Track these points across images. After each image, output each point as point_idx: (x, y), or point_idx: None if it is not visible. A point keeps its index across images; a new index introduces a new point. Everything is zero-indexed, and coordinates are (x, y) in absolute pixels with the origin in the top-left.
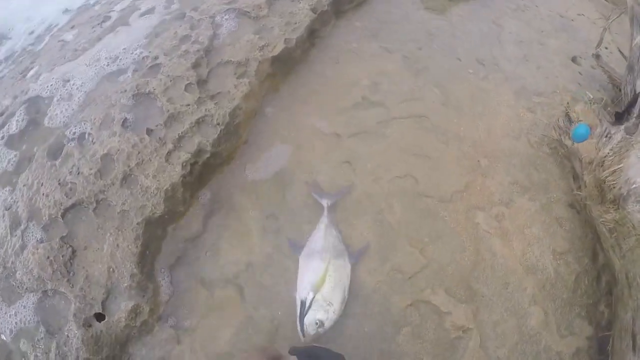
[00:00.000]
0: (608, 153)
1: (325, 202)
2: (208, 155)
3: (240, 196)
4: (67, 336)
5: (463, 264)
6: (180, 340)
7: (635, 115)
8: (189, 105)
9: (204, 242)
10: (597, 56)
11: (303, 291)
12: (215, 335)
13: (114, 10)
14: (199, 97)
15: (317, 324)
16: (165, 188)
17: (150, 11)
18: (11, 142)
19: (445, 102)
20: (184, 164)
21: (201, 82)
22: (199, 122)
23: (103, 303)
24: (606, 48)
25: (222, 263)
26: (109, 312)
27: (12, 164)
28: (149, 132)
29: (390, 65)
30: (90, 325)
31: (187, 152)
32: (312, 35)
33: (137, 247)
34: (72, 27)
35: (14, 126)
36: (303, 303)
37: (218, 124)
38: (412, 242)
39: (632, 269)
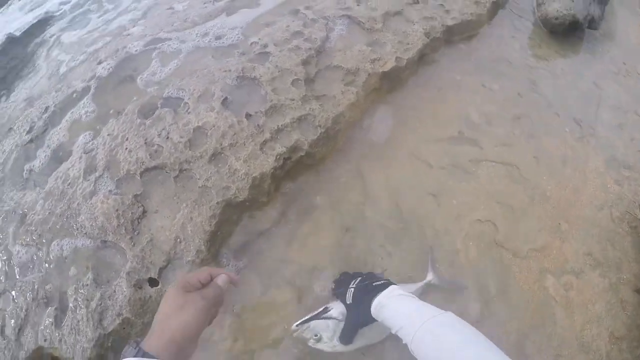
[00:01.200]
0: None
1: (430, 276)
2: (303, 154)
3: (322, 201)
4: (114, 291)
5: (522, 325)
6: (223, 326)
7: None
8: (293, 100)
9: (274, 237)
10: None
11: (334, 301)
12: (260, 328)
13: None
14: (305, 95)
15: (315, 335)
16: (254, 175)
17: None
18: (102, 91)
19: (537, 156)
20: (278, 156)
21: (308, 81)
22: (300, 119)
23: (160, 270)
24: None
25: (286, 262)
26: (164, 280)
27: (99, 114)
28: (248, 116)
29: (490, 105)
30: (140, 288)
31: (283, 145)
32: (421, 59)
33: (210, 225)
34: None
35: (105, 74)
36: (326, 309)
37: (319, 125)
38: (479, 291)
39: None
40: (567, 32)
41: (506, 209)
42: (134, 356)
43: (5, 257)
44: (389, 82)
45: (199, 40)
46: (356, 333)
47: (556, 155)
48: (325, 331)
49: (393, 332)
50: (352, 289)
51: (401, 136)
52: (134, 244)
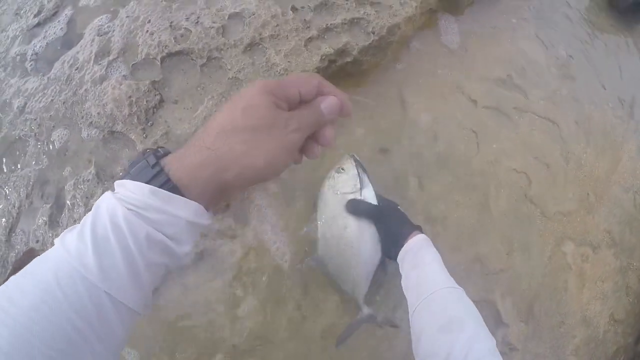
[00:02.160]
0: None
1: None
2: (350, 59)
3: (358, 117)
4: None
5: (536, 284)
6: (235, 235)
7: None
8: (347, 0)
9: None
10: None
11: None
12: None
13: None
14: None
15: (342, 169)
16: (294, 71)
17: None
18: None
19: (579, 121)
20: (323, 57)
21: None
22: (352, 22)
23: None
24: None
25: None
26: None
27: None
28: (294, 10)
29: (542, 58)
30: None
31: (330, 46)
32: None
33: None
34: None
35: None
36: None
37: (372, 32)
38: (503, 240)
39: None
40: (627, 9)
41: (541, 166)
42: (148, 181)
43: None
44: (448, 6)
45: None
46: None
47: (596, 126)
48: (351, 178)
49: (403, 286)
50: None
51: (448, 67)
52: (145, 136)
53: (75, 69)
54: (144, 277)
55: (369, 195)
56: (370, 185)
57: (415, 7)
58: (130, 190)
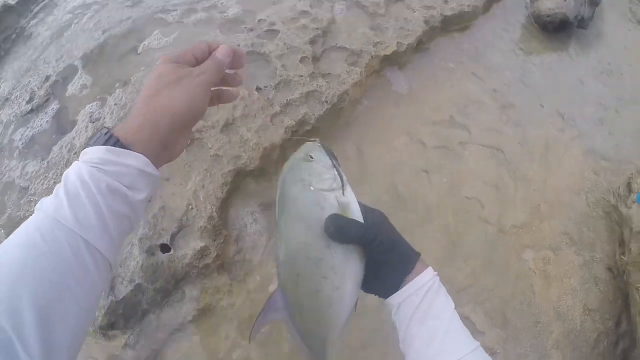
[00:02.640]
0: None
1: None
2: (309, 127)
3: None
4: (126, 258)
5: (504, 293)
6: (232, 292)
7: None
8: (301, 76)
9: None
10: None
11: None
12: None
13: None
14: (312, 72)
15: (311, 157)
16: (264, 146)
17: None
18: (106, 61)
19: (522, 142)
20: (287, 129)
21: (315, 59)
22: (308, 95)
23: (172, 236)
24: None
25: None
26: (176, 246)
27: (104, 84)
28: (259, 89)
29: (480, 94)
30: (153, 254)
31: (291, 119)
32: (418, 46)
33: (222, 192)
34: None
35: (109, 43)
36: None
37: (326, 101)
38: (467, 259)
39: None
40: (557, 30)
41: (491, 188)
42: (103, 144)
43: (10, 230)
44: (389, 66)
45: (205, 13)
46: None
47: (539, 143)
48: (326, 169)
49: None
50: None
51: (398, 117)
52: (145, 210)
53: (74, 154)
54: (111, 226)
55: (352, 201)
56: (347, 183)
57: (360, 73)
58: (90, 153)
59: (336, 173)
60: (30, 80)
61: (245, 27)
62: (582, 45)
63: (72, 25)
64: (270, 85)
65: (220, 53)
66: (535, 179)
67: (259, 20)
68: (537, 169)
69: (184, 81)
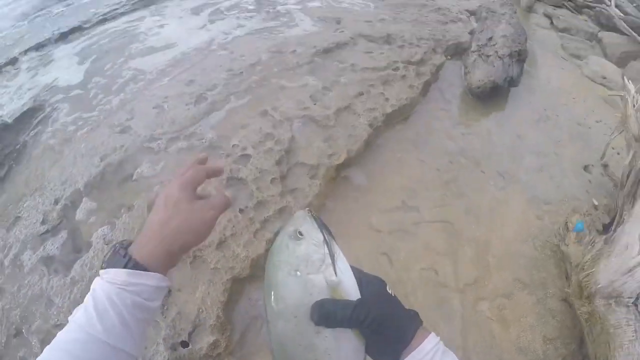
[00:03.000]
0: (588, 259)
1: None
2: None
3: None
4: (153, 354)
5: (467, 343)
6: None
7: (613, 228)
8: (273, 195)
9: None
10: (605, 166)
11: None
12: None
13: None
14: (282, 191)
15: (300, 234)
16: (252, 257)
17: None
18: (107, 188)
19: (467, 210)
20: (267, 241)
21: (282, 178)
22: (280, 210)
23: (189, 334)
24: (618, 154)
25: None
26: (193, 341)
27: (110, 208)
28: (241, 211)
29: (426, 175)
30: (175, 350)
31: (270, 232)
32: (367, 145)
33: (224, 297)
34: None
35: (108, 171)
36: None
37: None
38: (427, 322)
39: (599, 351)
40: (490, 96)
41: (444, 257)
42: (124, 266)
43: (41, 336)
44: (344, 170)
45: (186, 141)
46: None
47: (483, 206)
48: (315, 247)
49: None
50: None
51: (358, 210)
52: (165, 317)
53: (94, 271)
54: (134, 329)
55: (346, 275)
56: (341, 253)
57: (319, 185)
58: (113, 274)
59: (327, 250)
60: (39, 202)
61: (223, 153)
62: (517, 100)
63: (71, 148)
64: (250, 206)
65: (226, 194)
66: (482, 239)
67: (233, 146)
68: (484, 230)
69: (197, 215)
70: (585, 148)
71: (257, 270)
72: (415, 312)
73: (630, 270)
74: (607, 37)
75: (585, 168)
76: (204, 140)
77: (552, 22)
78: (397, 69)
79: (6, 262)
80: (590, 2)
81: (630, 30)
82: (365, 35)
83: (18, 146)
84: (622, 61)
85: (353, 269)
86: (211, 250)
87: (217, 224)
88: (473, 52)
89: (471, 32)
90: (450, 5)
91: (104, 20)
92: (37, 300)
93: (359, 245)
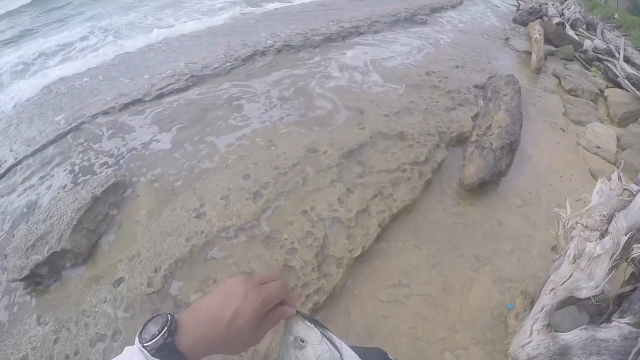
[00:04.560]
0: (516, 328)
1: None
2: (320, 305)
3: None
4: None
5: None
6: None
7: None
8: (313, 279)
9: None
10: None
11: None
12: None
13: (262, 191)
14: (318, 275)
15: (302, 342)
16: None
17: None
18: (197, 262)
19: (445, 287)
20: (309, 310)
21: (319, 266)
22: (317, 290)
23: None
24: None
25: None
26: None
27: (201, 280)
28: (292, 288)
29: (418, 260)
30: None
31: (311, 302)
32: (377, 239)
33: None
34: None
35: (198, 247)
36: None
37: (327, 292)
38: None
39: None
40: (479, 188)
41: (423, 320)
42: (161, 347)
43: None
44: (359, 258)
45: (252, 232)
46: None
47: (458, 284)
48: (322, 350)
49: None
50: None
51: (367, 286)
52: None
53: None
54: None
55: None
56: (343, 344)
57: (342, 272)
58: None
59: (330, 345)
60: (140, 268)
61: (277, 244)
62: (505, 188)
63: (157, 225)
64: (298, 285)
65: (289, 311)
66: (453, 309)
67: (284, 239)
68: (456, 302)
69: (252, 341)
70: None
71: None
72: None
73: (522, 346)
74: (612, 94)
75: (553, 249)
76: (263, 233)
77: (559, 82)
78: (404, 170)
79: (119, 315)
80: (600, 53)
81: (633, 88)
82: (382, 133)
83: (108, 217)
84: (623, 122)
85: (353, 348)
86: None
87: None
88: (472, 142)
89: (474, 116)
90: (460, 84)
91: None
92: None
93: (367, 310)
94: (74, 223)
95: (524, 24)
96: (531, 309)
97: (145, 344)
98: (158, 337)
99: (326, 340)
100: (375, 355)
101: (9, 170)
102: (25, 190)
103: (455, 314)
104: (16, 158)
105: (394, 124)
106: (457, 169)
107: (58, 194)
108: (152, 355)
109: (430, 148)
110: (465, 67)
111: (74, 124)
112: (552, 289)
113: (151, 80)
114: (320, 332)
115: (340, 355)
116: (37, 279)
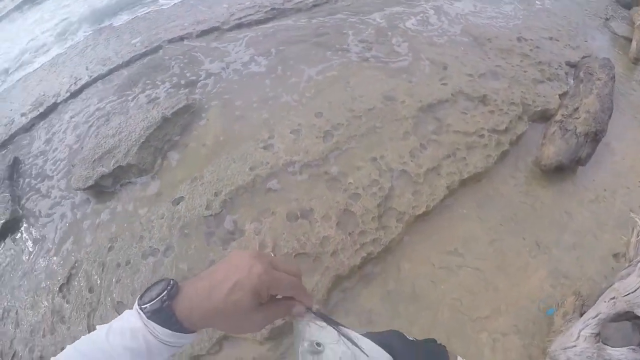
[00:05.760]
0: (558, 330)
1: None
2: (374, 256)
3: (376, 269)
4: None
5: (468, 353)
6: None
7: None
8: (371, 228)
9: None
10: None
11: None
12: None
13: (334, 132)
14: (377, 226)
15: (318, 345)
16: (350, 265)
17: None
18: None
19: (499, 266)
20: (362, 258)
21: (379, 217)
22: (374, 241)
23: None
24: None
25: None
26: None
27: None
28: (349, 234)
29: (478, 231)
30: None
31: (365, 251)
32: (442, 200)
33: (330, 284)
34: None
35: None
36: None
37: (383, 245)
38: (446, 332)
39: None
40: (555, 172)
41: (470, 294)
42: (168, 318)
43: None
44: (421, 217)
45: (317, 170)
46: None
47: (513, 266)
48: (341, 352)
49: None
50: None
51: (423, 247)
52: None
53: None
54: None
55: (372, 349)
56: (359, 336)
57: (401, 227)
58: (160, 332)
59: (348, 342)
60: (201, 190)
61: (341, 187)
62: (581, 178)
63: (223, 151)
64: (355, 232)
65: (295, 309)
66: (502, 289)
67: (349, 183)
68: (506, 283)
69: (249, 322)
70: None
71: (351, 273)
72: (441, 345)
73: (564, 348)
74: None
75: (615, 256)
76: (328, 173)
77: None
78: (482, 136)
79: (175, 232)
80: None
81: None
82: (464, 93)
83: (176, 137)
84: None
85: (368, 335)
86: (327, 256)
87: (333, 240)
88: (556, 121)
89: (562, 95)
90: (551, 58)
91: None
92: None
93: (418, 271)
94: (142, 140)
95: (628, 7)
96: (580, 312)
97: (142, 306)
98: (155, 300)
99: (343, 339)
100: (394, 338)
101: (83, 87)
102: (97, 106)
103: (503, 296)
104: (90, 76)
105: (477, 85)
106: (536, 146)
107: (128, 111)
108: (148, 318)
109: (511, 118)
110: (560, 41)
111: (149, 47)
112: (613, 297)
113: (230, 10)
114: (336, 330)
115: (361, 351)
116: (100, 189)
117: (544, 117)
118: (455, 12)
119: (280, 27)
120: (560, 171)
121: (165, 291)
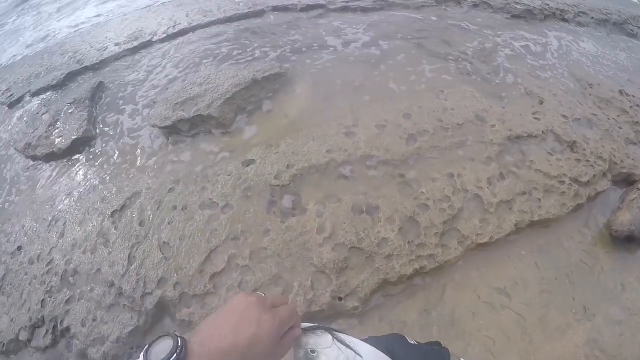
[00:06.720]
0: None
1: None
2: (425, 272)
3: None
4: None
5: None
6: None
7: None
8: (432, 244)
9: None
10: None
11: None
12: None
13: (418, 138)
14: (438, 242)
15: (312, 352)
16: (401, 273)
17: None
18: None
19: (541, 318)
20: (414, 270)
21: (442, 234)
22: (430, 256)
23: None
24: None
25: None
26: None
27: None
28: (409, 243)
29: (531, 277)
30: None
31: (419, 264)
32: (507, 236)
33: (376, 286)
34: None
35: None
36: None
37: (437, 262)
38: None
39: None
40: (626, 241)
41: (504, 337)
42: None
43: None
44: (481, 247)
45: (392, 169)
46: None
47: (554, 323)
48: (336, 356)
49: None
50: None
51: (474, 278)
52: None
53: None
54: None
55: (367, 352)
56: (355, 340)
57: (461, 252)
58: None
59: (341, 347)
60: (274, 159)
61: (412, 194)
62: None
63: (304, 126)
64: (415, 242)
65: (297, 333)
66: (537, 344)
67: (421, 192)
68: (543, 339)
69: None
70: None
71: (399, 281)
72: (444, 348)
73: None
74: None
75: None
76: (403, 176)
77: None
78: (563, 182)
79: (238, 192)
80: None
81: None
82: (555, 133)
83: (261, 101)
84: None
85: (370, 339)
86: (381, 258)
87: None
88: (639, 189)
89: None
90: None
91: None
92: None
93: (461, 299)
94: (227, 96)
95: None
96: None
97: None
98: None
99: (337, 343)
100: (395, 341)
101: (180, 33)
102: (190, 53)
103: (535, 350)
104: (190, 24)
105: (570, 129)
106: (611, 208)
107: (220, 65)
108: None
109: (596, 172)
110: None
111: (253, 10)
112: None
113: None
114: (330, 335)
115: (355, 353)
116: (175, 131)
117: (627, 181)
118: (572, 50)
119: (383, 20)
120: (629, 241)
121: (175, 355)
